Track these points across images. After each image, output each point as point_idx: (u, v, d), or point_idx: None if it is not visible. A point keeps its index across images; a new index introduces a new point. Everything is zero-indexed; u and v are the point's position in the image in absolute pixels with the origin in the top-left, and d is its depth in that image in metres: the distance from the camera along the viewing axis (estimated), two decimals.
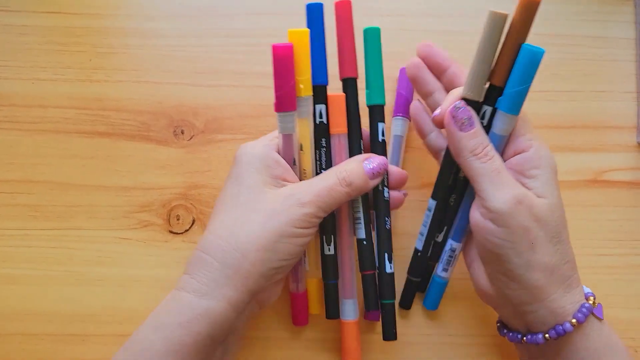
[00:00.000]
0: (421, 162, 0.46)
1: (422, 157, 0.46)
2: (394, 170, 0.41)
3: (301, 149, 0.39)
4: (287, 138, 0.38)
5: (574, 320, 0.35)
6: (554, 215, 0.35)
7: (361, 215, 0.40)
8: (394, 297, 0.41)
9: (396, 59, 0.47)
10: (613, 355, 0.35)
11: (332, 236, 0.40)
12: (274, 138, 0.39)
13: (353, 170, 0.38)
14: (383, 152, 0.40)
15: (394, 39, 0.48)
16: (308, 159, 0.39)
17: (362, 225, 0.40)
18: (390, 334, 0.40)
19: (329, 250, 0.40)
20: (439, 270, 0.43)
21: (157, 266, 0.44)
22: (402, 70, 0.46)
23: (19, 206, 0.45)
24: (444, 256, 0.44)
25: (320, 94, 0.39)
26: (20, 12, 0.47)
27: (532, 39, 0.48)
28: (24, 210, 0.45)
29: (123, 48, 0.47)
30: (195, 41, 0.47)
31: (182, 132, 0.46)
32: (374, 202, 0.40)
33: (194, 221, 0.45)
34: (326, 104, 0.39)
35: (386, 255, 0.40)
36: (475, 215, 0.36)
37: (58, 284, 0.44)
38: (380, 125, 0.40)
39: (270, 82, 0.46)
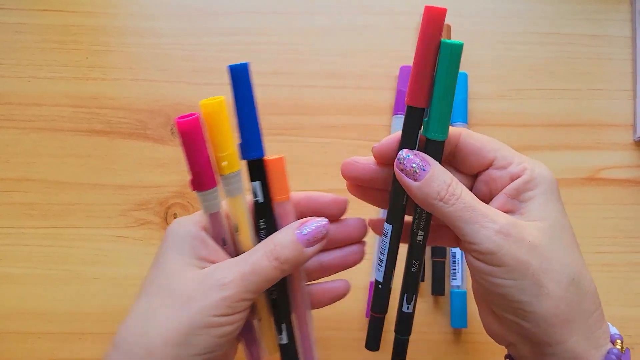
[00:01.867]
0: None
1: None
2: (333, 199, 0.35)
3: (236, 230, 0.33)
4: (213, 217, 0.33)
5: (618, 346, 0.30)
6: (555, 240, 0.30)
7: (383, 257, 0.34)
8: (408, 334, 0.36)
9: (394, 57, 0.47)
10: None
11: (284, 324, 0.35)
12: None
13: (283, 240, 0.32)
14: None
15: (392, 37, 0.48)
16: (247, 240, 0.33)
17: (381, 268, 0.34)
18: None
19: (282, 339, 0.35)
20: (451, 281, 0.44)
21: None
22: (402, 68, 0.46)
23: (15, 205, 0.45)
24: (451, 264, 0.44)
25: (255, 169, 0.32)
26: (17, 10, 0.47)
27: (529, 37, 0.48)
28: (20, 209, 0.45)
29: (120, 46, 0.47)
30: (192, 40, 0.47)
31: None
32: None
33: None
34: (262, 179, 0.33)
35: (405, 295, 0.34)
36: (468, 258, 0.31)
37: (55, 283, 0.44)
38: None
39: (267, 81, 0.47)
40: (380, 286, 0.35)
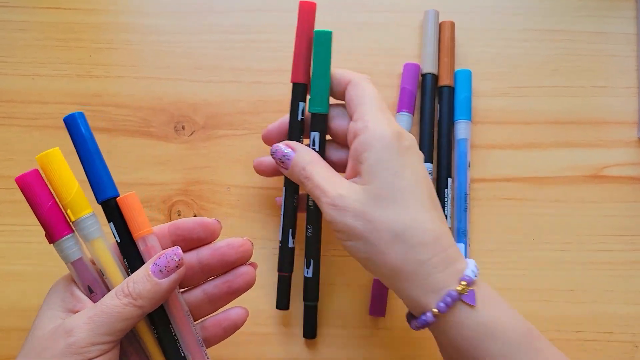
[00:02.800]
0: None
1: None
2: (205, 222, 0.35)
3: (104, 274, 0.33)
4: (75, 265, 0.33)
5: (435, 310, 0.33)
6: (382, 202, 0.33)
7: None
8: (313, 300, 0.41)
9: (396, 55, 0.47)
10: (491, 342, 0.32)
11: None
12: None
13: (136, 276, 0.32)
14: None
15: (393, 35, 0.48)
16: (118, 282, 0.33)
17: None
18: (310, 333, 0.42)
19: None
20: None
21: None
22: (406, 66, 0.46)
23: (18, 202, 0.45)
24: None
25: (107, 210, 0.33)
26: (20, 8, 0.47)
27: (532, 34, 0.48)
28: (23, 207, 0.44)
29: (122, 44, 0.47)
30: (195, 37, 0.47)
31: (183, 128, 0.46)
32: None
33: (194, 217, 0.45)
34: (114, 220, 0.34)
35: (305, 260, 0.40)
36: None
37: None
38: (314, 135, 0.39)
39: (268, 79, 0.47)
40: (280, 245, 0.41)
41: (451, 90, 0.46)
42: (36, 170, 0.32)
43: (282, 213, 0.41)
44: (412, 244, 0.33)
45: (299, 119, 0.40)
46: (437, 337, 0.35)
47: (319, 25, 0.49)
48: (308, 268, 0.41)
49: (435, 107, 0.46)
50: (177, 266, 0.32)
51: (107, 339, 0.31)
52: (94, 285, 0.33)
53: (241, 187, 0.45)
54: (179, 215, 0.45)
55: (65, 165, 0.33)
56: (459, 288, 0.33)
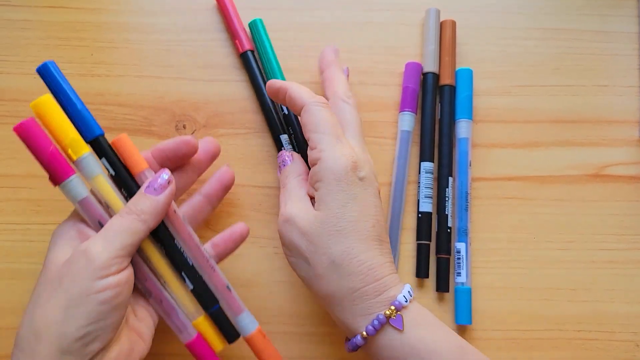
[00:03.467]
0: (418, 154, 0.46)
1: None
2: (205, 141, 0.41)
3: (108, 207, 0.36)
4: (82, 204, 0.35)
5: (364, 333, 0.34)
6: (325, 228, 0.35)
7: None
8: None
9: (399, 54, 0.47)
10: None
11: (184, 272, 0.38)
12: None
13: (135, 198, 0.35)
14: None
15: (394, 34, 0.48)
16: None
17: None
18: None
19: (189, 285, 0.38)
20: (456, 278, 0.44)
21: None
22: (408, 65, 0.46)
23: (21, 201, 0.45)
24: (455, 261, 0.44)
25: (97, 148, 0.36)
26: (22, 7, 0.47)
27: (534, 33, 0.48)
28: (26, 205, 0.45)
29: (124, 43, 0.47)
30: (196, 36, 0.47)
31: (184, 127, 0.46)
32: None
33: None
34: (109, 155, 0.36)
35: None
36: None
37: None
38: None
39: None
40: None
41: (452, 89, 0.46)
42: (33, 118, 0.34)
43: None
44: (346, 273, 0.35)
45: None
46: (369, 359, 0.37)
47: (319, 23, 0.49)
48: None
49: (436, 106, 0.46)
50: (168, 182, 0.36)
51: (122, 254, 0.33)
52: (103, 219, 0.35)
53: (242, 186, 0.45)
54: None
55: (58, 109, 0.35)
56: (387, 312, 0.34)
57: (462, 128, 0.45)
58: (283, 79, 0.45)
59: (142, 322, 0.37)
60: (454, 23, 0.47)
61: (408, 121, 0.45)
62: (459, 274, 0.44)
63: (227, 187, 0.42)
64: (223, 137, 0.46)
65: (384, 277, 0.35)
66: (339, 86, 0.40)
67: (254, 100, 0.46)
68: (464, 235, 0.44)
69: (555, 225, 0.46)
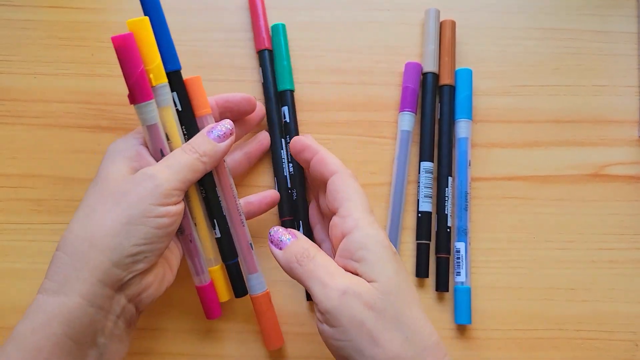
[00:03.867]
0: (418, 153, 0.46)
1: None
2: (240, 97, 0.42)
3: (168, 139, 0.38)
4: (150, 129, 0.37)
5: None
6: (391, 299, 0.32)
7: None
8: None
9: (399, 54, 0.47)
10: None
11: (215, 220, 0.40)
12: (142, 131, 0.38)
13: (198, 139, 0.37)
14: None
15: (396, 33, 0.48)
16: (178, 146, 0.38)
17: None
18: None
19: (217, 233, 0.40)
20: (455, 277, 0.44)
21: None
22: (408, 65, 0.46)
23: (21, 200, 0.45)
24: (455, 260, 0.44)
25: (174, 80, 0.38)
26: (23, 6, 0.47)
27: (534, 33, 0.48)
28: (26, 205, 0.45)
29: None
30: (196, 35, 0.47)
31: None
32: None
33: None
34: (180, 90, 0.38)
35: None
36: (317, 323, 0.33)
37: None
38: (284, 110, 0.45)
39: None
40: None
41: (452, 89, 0.46)
42: (132, 34, 0.35)
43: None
44: (422, 347, 0.32)
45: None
46: None
47: (320, 22, 0.49)
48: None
49: (436, 106, 0.46)
50: (230, 133, 0.38)
51: (182, 187, 0.35)
52: (165, 149, 0.37)
53: (242, 187, 0.46)
54: None
55: (151, 34, 0.36)
56: None
57: (462, 128, 0.45)
58: (291, 85, 0.45)
59: (172, 254, 0.39)
60: (453, 23, 0.47)
61: (408, 121, 0.45)
62: (458, 274, 0.44)
63: (264, 149, 0.44)
64: None
65: (445, 355, 0.33)
66: (338, 164, 0.37)
67: (259, 98, 0.46)
68: (463, 235, 0.44)
69: (555, 225, 0.46)
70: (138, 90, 0.35)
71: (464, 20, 0.48)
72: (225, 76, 0.47)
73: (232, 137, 0.38)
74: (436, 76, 0.46)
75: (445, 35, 0.46)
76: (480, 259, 0.45)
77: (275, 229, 0.37)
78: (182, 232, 0.39)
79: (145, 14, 0.37)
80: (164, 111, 0.37)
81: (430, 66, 0.46)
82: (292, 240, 0.36)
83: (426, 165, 0.45)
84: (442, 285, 0.44)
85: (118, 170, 0.35)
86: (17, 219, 0.45)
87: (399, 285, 0.33)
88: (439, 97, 0.46)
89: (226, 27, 0.47)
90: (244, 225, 0.41)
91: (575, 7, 0.49)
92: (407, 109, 0.45)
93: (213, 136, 0.37)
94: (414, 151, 0.46)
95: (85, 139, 0.46)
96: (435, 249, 0.45)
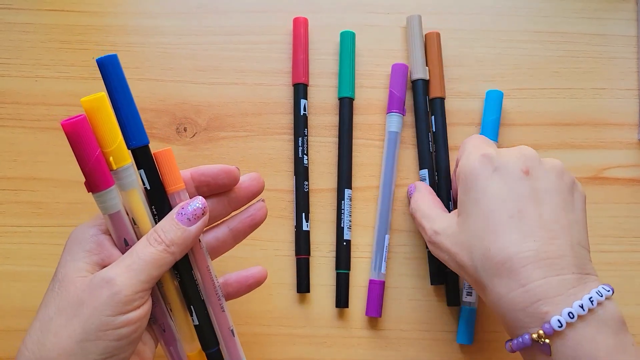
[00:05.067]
0: (417, 159, 0.46)
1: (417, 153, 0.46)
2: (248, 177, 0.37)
3: (135, 224, 0.33)
4: (112, 218, 0.33)
5: (534, 335, 0.31)
6: (464, 227, 0.35)
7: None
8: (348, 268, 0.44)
9: (388, 57, 0.47)
10: None
11: (193, 306, 0.35)
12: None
13: (165, 224, 0.33)
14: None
15: (395, 36, 0.48)
16: (147, 231, 0.34)
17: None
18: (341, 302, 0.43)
19: (194, 320, 0.35)
20: (465, 297, 0.44)
21: None
22: (394, 67, 0.46)
23: (22, 203, 0.45)
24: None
25: (141, 156, 0.33)
26: (23, 10, 0.47)
27: (532, 36, 0.48)
28: (27, 208, 0.45)
29: (125, 46, 0.47)
30: (197, 39, 0.47)
31: (185, 130, 0.46)
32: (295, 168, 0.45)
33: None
34: (148, 167, 0.33)
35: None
36: (428, 237, 0.39)
37: None
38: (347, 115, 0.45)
39: (271, 80, 0.47)
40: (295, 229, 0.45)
41: (442, 102, 0.46)
42: (85, 117, 0.31)
43: (294, 198, 0.45)
44: (495, 263, 0.33)
45: (302, 114, 0.45)
46: None
47: (320, 25, 0.49)
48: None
49: (428, 113, 0.46)
50: (202, 214, 0.33)
51: (146, 287, 0.31)
52: (129, 238, 0.33)
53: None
54: None
55: (110, 110, 0.32)
56: (534, 336, 0.31)
57: None
58: (352, 92, 0.46)
59: (145, 346, 0.35)
60: (438, 35, 0.46)
61: (395, 122, 0.45)
62: (469, 294, 0.43)
63: (256, 225, 0.38)
64: (223, 140, 0.46)
65: (536, 280, 0.32)
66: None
67: (255, 104, 0.47)
68: None
69: None
70: (95, 178, 0.31)
71: (462, 23, 0.48)
72: (212, 80, 0.47)
73: (205, 218, 0.34)
74: (426, 82, 0.46)
75: (431, 48, 0.46)
76: None
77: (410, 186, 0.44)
78: (155, 322, 0.35)
79: (105, 84, 0.32)
80: (129, 195, 0.33)
81: (419, 73, 0.46)
82: (412, 193, 0.43)
83: (423, 172, 0.45)
84: (452, 301, 0.44)
85: (76, 269, 0.32)
86: (17, 221, 0.45)
87: (470, 214, 0.36)
88: (430, 110, 0.46)
89: (200, 30, 0.47)
90: (223, 311, 0.36)
91: (574, 10, 0.49)
92: (394, 110, 0.45)
93: (182, 218, 0.33)
94: (402, 153, 0.46)
95: None
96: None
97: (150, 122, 0.46)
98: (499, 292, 0.32)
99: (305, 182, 0.45)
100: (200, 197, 0.34)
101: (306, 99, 0.46)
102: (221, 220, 0.38)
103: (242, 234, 0.38)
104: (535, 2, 0.49)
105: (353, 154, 0.46)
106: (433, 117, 0.45)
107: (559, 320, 0.30)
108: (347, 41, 0.46)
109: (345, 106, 0.45)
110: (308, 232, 0.44)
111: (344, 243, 0.44)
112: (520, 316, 0.31)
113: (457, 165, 0.38)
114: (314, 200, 0.45)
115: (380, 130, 0.46)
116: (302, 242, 0.44)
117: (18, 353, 0.31)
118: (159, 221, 0.34)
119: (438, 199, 0.42)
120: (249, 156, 0.46)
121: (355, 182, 0.46)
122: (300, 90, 0.46)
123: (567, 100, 0.47)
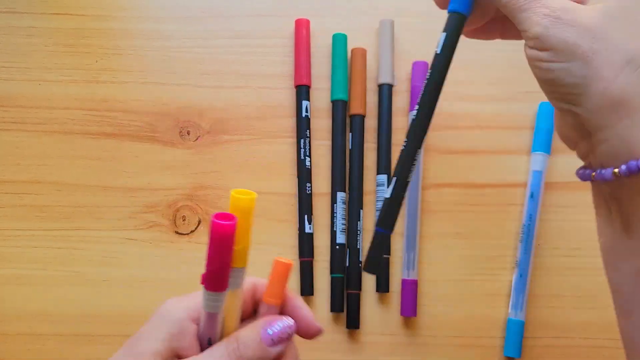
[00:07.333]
0: (439, 163, 0.46)
1: (439, 156, 0.46)
2: (310, 323, 0.33)
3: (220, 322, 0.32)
4: (210, 316, 0.31)
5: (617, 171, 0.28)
6: (616, 23, 0.28)
7: None
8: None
9: (404, 57, 0.47)
10: None
11: None
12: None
13: (247, 338, 0.30)
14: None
15: (402, 37, 0.48)
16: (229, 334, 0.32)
17: None
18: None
19: None
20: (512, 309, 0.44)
21: (162, 267, 0.44)
22: (415, 64, 0.46)
23: (25, 207, 0.45)
24: (513, 295, 0.44)
25: (453, 21, 0.33)
26: (27, 13, 0.47)
27: None
28: (30, 211, 0.45)
29: (129, 49, 0.47)
30: (201, 43, 0.47)
31: (188, 133, 0.46)
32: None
33: (199, 222, 0.45)
34: (452, 33, 0.33)
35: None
36: (525, 49, 0.31)
37: (64, 285, 0.44)
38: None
39: (274, 84, 0.47)
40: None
41: (362, 118, 0.46)
42: (234, 224, 0.29)
43: (297, 200, 0.45)
44: None
45: (304, 115, 0.45)
46: (621, 195, 0.30)
47: (322, 28, 0.49)
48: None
49: (391, 118, 0.46)
50: (287, 338, 0.31)
51: None
52: (214, 339, 0.32)
53: None
54: (183, 220, 0.45)
55: (252, 213, 0.30)
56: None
57: (538, 161, 0.45)
58: (345, 95, 0.46)
59: None
60: (364, 52, 0.46)
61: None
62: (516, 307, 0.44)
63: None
64: (226, 144, 0.46)
65: None
66: None
67: (259, 107, 0.46)
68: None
69: (561, 232, 0.45)
70: (218, 279, 0.30)
71: None
72: (215, 83, 0.47)
73: (289, 343, 0.31)
74: (390, 87, 0.46)
75: (356, 64, 0.46)
76: (484, 266, 0.45)
77: None
78: None
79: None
80: (232, 294, 0.31)
81: (386, 77, 0.46)
82: None
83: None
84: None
85: (153, 351, 0.30)
86: (21, 225, 0.45)
87: (629, 8, 0.29)
88: (350, 126, 0.46)
89: (204, 34, 0.47)
90: None
91: None
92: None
93: (267, 338, 0.30)
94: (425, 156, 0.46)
95: (89, 145, 0.46)
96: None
97: (153, 126, 0.46)
98: None
99: (308, 184, 0.45)
100: (291, 319, 0.32)
101: (308, 101, 0.46)
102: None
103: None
104: None
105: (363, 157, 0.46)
106: (351, 134, 0.45)
107: None
108: (340, 44, 0.46)
109: (338, 109, 0.45)
110: (311, 234, 0.44)
111: (337, 247, 0.44)
112: None
113: None
114: (318, 204, 0.45)
115: (397, 131, 0.46)
116: (305, 245, 0.44)
117: None
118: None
119: None
120: (251, 160, 0.46)
121: (367, 185, 0.46)
122: (302, 92, 0.45)
123: None
